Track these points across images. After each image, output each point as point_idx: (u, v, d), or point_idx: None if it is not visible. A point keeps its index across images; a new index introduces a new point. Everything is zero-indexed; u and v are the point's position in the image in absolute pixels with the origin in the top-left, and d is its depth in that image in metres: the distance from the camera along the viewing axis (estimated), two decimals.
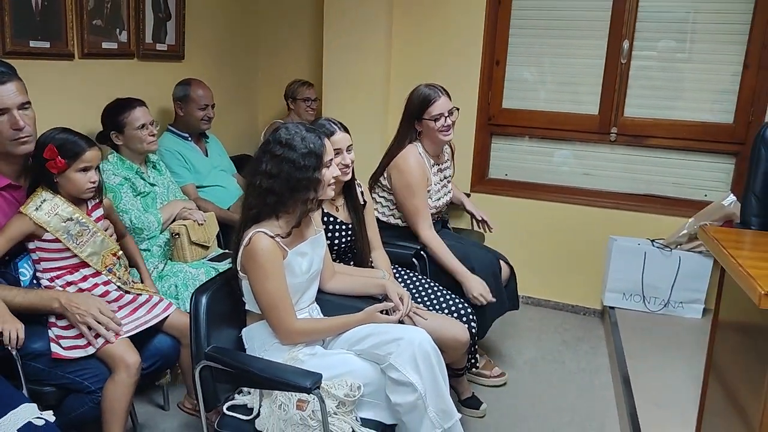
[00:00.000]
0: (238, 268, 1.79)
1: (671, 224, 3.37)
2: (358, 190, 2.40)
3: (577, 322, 3.65)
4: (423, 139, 2.66)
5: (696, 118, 3.41)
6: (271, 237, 1.74)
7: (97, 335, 1.89)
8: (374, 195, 2.73)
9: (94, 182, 1.96)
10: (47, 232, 1.90)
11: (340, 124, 2.24)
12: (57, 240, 1.92)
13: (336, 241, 2.30)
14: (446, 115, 2.58)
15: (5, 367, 1.78)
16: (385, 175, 2.67)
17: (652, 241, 3.38)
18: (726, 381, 2.06)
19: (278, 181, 1.73)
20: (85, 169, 1.93)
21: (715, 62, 3.35)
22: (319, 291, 2.03)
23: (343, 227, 2.32)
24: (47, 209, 1.89)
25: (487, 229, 3.11)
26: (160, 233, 2.59)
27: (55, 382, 1.91)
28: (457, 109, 2.65)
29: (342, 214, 2.33)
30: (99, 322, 1.88)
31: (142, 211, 2.53)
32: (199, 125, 3.10)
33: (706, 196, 3.45)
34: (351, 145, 2.24)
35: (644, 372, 2.76)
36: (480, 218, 3.09)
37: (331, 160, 1.82)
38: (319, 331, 1.88)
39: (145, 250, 2.53)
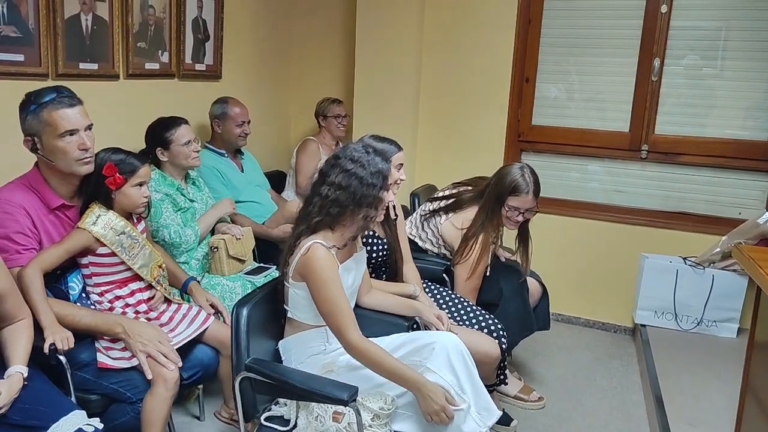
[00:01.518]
0: (290, 275, 1.85)
1: (704, 242, 3.35)
2: (390, 204, 2.45)
3: (608, 339, 3.63)
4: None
5: (729, 135, 3.40)
6: (327, 248, 1.81)
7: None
8: (426, 227, 2.75)
9: (147, 197, 2.08)
10: (103, 245, 1.99)
11: (396, 143, 2.33)
12: (111, 254, 2.01)
13: (373, 255, 2.35)
14: (522, 211, 2.55)
15: (54, 376, 1.86)
16: (444, 225, 2.67)
17: (685, 259, 3.36)
18: (763, 402, 2.04)
19: (345, 193, 1.82)
20: (141, 184, 2.06)
21: (747, 79, 3.34)
22: (355, 306, 2.08)
23: (379, 241, 2.37)
24: (102, 224, 1.99)
25: None
26: (198, 245, 2.68)
27: (100, 392, 1.98)
28: (535, 213, 2.60)
29: (378, 229, 2.38)
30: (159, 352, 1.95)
31: (180, 226, 2.61)
32: (237, 141, 3.19)
33: (740, 214, 3.42)
34: (402, 164, 2.32)
35: (677, 391, 2.74)
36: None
37: (391, 184, 1.89)
38: (378, 364, 1.76)
39: (183, 262, 2.61)
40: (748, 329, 2.36)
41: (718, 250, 3.27)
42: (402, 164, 2.33)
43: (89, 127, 1.97)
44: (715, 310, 3.30)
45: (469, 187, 2.75)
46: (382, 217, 1.94)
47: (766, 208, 3.25)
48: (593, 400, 2.92)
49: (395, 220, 2.43)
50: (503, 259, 2.89)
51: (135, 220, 2.13)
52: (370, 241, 2.34)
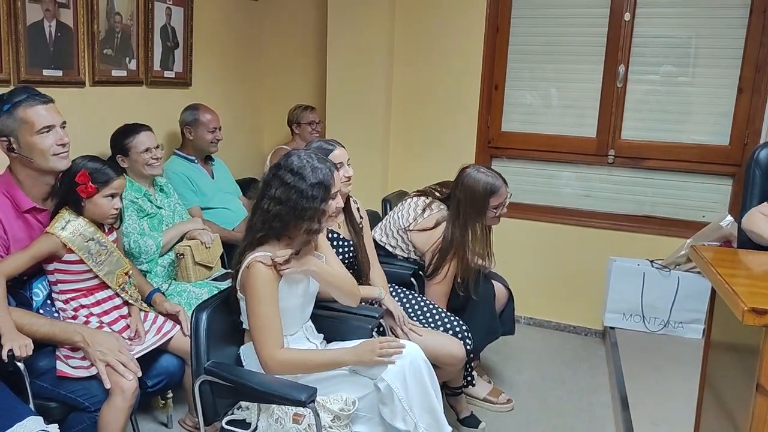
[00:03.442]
0: (238, 288, 1.85)
1: (670, 245, 3.41)
2: (354, 206, 2.46)
3: (578, 342, 3.67)
4: None
5: (692, 140, 3.47)
6: (269, 265, 1.78)
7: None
8: (396, 234, 2.73)
9: (117, 209, 2.08)
10: (71, 252, 1.98)
11: (335, 141, 2.33)
12: (79, 261, 2.00)
13: (339, 257, 2.35)
14: (505, 203, 2.61)
15: (11, 384, 1.84)
16: (413, 232, 2.66)
17: (651, 261, 3.41)
18: (719, 398, 2.08)
19: (285, 207, 1.78)
20: (112, 196, 2.05)
21: (709, 86, 3.42)
22: (316, 305, 2.07)
23: (345, 243, 2.38)
24: (71, 229, 1.98)
25: None
26: (159, 257, 2.66)
27: (59, 400, 1.96)
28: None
29: (343, 231, 2.39)
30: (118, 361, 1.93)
31: (141, 236, 2.59)
32: (209, 147, 3.20)
33: (704, 217, 3.48)
34: (349, 159, 2.32)
35: (642, 392, 2.78)
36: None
37: (337, 192, 1.88)
38: (306, 365, 1.81)
39: (146, 271, 2.59)
40: None
41: (683, 252, 3.33)
42: (349, 159, 2.31)
43: (63, 124, 1.99)
44: (682, 312, 3.35)
45: (436, 193, 2.77)
46: (333, 224, 1.91)
47: (729, 211, 3.31)
48: (560, 402, 2.95)
49: (361, 221, 2.45)
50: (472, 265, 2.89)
51: (107, 230, 2.13)
52: (335, 243, 2.35)
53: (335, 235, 2.36)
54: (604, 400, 2.98)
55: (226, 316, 1.91)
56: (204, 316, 1.79)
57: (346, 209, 2.40)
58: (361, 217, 2.46)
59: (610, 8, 3.45)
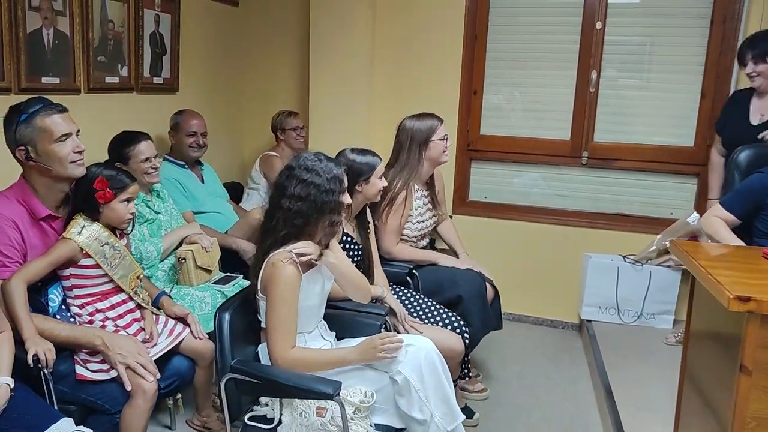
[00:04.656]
0: (259, 288, 1.92)
1: (641, 241, 3.61)
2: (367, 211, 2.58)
3: (557, 335, 3.84)
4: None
5: (660, 141, 3.68)
6: (292, 261, 1.85)
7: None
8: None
9: (133, 213, 2.14)
10: (88, 256, 2.02)
11: (376, 154, 2.46)
12: (94, 266, 2.05)
13: (348, 258, 2.45)
14: (447, 137, 2.90)
15: (32, 388, 1.87)
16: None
17: (624, 257, 3.61)
18: (699, 383, 2.25)
19: (306, 203, 1.87)
20: (128, 201, 2.11)
21: (675, 91, 3.64)
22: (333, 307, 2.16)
23: (355, 246, 2.48)
24: (87, 234, 2.03)
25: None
26: (160, 262, 2.70)
27: (78, 403, 2.00)
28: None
29: (353, 233, 2.49)
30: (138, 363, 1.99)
31: (141, 241, 2.62)
32: (189, 152, 3.21)
33: (672, 214, 3.70)
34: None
35: (623, 379, 2.95)
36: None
37: (346, 187, 1.98)
38: (314, 364, 1.88)
39: (147, 276, 2.62)
40: (682, 320, 2.61)
41: (653, 248, 3.54)
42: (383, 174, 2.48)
43: (78, 132, 2.04)
44: (653, 304, 3.56)
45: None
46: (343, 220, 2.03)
47: (694, 208, 3.53)
48: (547, 393, 3.10)
49: (369, 225, 2.55)
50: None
51: (118, 236, 2.17)
52: (346, 246, 2.44)
53: (348, 238, 2.46)
54: (587, 389, 3.15)
55: (243, 317, 1.98)
56: (227, 316, 1.86)
57: (361, 214, 2.50)
58: (369, 221, 2.56)
59: (583, 17, 3.64)
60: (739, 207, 2.47)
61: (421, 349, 1.92)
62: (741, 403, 1.81)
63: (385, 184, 2.48)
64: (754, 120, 3.02)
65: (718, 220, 2.50)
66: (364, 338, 1.98)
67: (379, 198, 2.51)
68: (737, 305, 1.71)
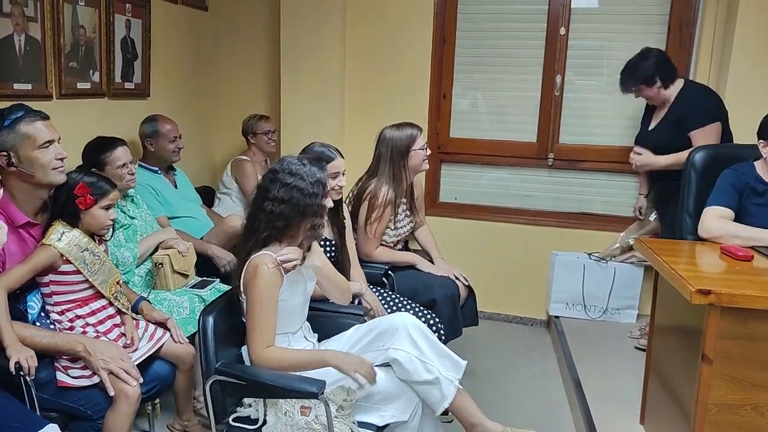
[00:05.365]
0: (241, 289, 1.95)
1: (605, 239, 3.74)
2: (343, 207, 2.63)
3: (526, 332, 3.96)
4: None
5: (621, 143, 3.81)
6: (274, 265, 1.89)
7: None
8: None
9: (113, 219, 2.15)
10: (68, 262, 2.02)
11: (336, 149, 2.48)
12: (74, 272, 2.05)
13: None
14: (427, 146, 2.99)
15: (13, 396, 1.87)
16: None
17: (589, 254, 3.73)
18: (664, 374, 2.38)
19: (288, 206, 1.92)
20: (108, 207, 2.12)
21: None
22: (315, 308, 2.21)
23: (328, 243, 2.53)
24: (67, 240, 2.03)
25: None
26: (136, 267, 2.70)
27: (60, 410, 2.00)
28: None
29: (326, 231, 2.53)
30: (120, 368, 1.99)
31: (117, 247, 2.62)
32: (171, 157, 3.23)
33: (634, 213, 3.83)
34: (345, 169, 2.51)
35: (591, 373, 3.06)
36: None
37: (329, 190, 2.03)
38: (292, 363, 1.91)
39: (124, 282, 2.62)
40: (646, 314, 2.71)
41: (617, 245, 3.68)
42: (338, 172, 2.47)
43: (59, 139, 2.05)
44: (618, 299, 3.69)
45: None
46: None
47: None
48: (518, 387, 3.20)
49: (344, 221, 2.60)
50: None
51: (97, 242, 2.18)
52: (319, 243, 2.48)
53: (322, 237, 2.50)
54: (557, 383, 3.26)
55: (226, 319, 2.01)
56: (211, 319, 1.89)
57: (334, 211, 2.54)
58: (343, 218, 2.61)
59: (547, 23, 3.76)
60: (732, 199, 2.44)
61: (404, 323, 2.03)
62: (703, 390, 1.93)
63: (343, 183, 2.51)
64: (652, 125, 3.27)
65: (721, 219, 2.41)
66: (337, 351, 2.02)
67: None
68: (699, 298, 1.83)
